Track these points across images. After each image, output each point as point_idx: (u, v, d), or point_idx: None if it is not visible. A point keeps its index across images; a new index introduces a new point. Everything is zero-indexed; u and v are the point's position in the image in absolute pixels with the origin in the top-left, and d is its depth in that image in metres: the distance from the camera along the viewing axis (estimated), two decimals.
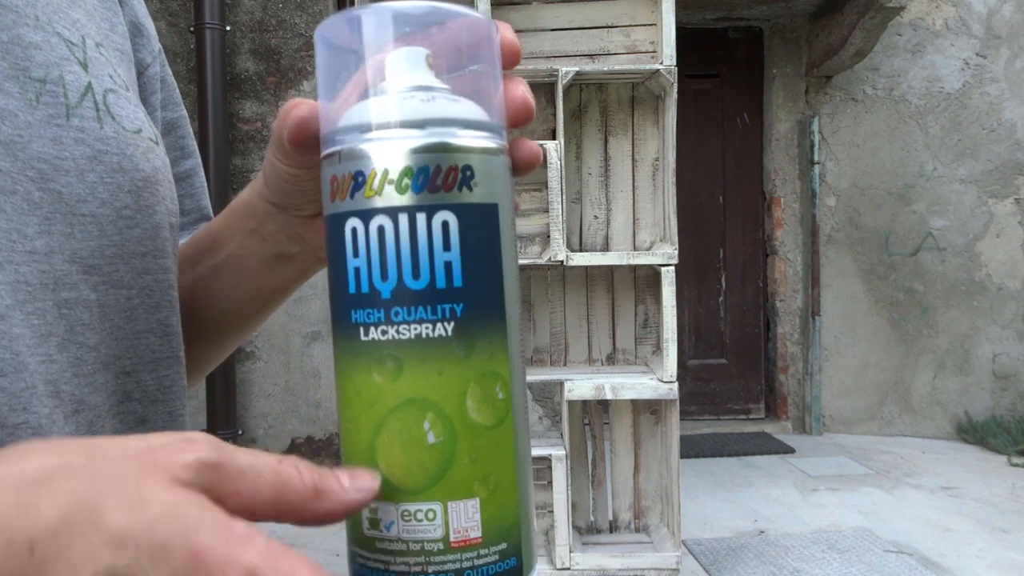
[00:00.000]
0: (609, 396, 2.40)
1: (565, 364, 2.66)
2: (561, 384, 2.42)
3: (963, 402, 4.59)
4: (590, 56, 2.48)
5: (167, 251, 0.47)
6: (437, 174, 0.30)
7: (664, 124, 2.46)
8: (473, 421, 0.30)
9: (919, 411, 4.62)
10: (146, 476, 0.24)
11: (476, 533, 0.30)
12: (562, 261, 2.37)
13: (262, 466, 0.27)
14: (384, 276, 0.30)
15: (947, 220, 4.56)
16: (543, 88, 2.52)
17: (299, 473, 0.27)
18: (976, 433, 4.44)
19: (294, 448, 3.66)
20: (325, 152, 0.32)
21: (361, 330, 0.31)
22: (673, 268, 2.38)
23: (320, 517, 0.28)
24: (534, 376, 2.55)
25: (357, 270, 0.31)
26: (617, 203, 2.61)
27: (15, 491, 0.23)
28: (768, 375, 4.82)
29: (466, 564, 0.30)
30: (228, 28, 3.48)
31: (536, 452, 2.46)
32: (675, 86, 2.35)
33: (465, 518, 0.30)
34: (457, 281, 0.30)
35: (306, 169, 0.40)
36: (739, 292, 4.80)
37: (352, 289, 0.31)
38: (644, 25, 2.47)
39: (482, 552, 0.30)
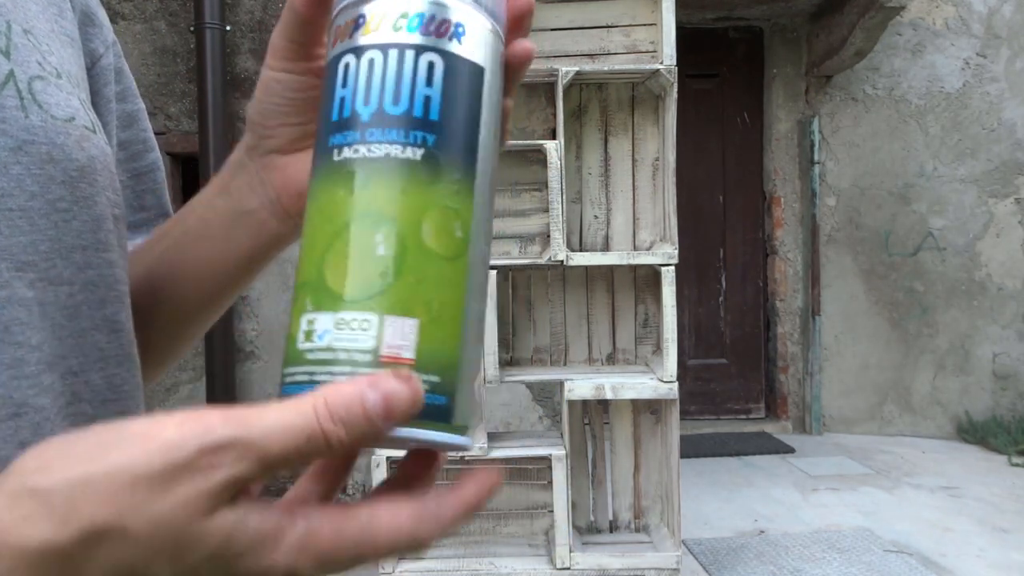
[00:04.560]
0: (609, 396, 2.40)
1: (565, 364, 2.66)
2: (561, 384, 2.42)
3: (963, 402, 4.59)
4: (590, 56, 2.48)
5: (111, 244, 0.44)
6: (431, 21, 0.33)
7: (664, 124, 2.46)
8: (426, 245, 0.31)
9: (919, 411, 4.62)
10: (183, 526, 0.25)
11: (408, 354, 0.30)
12: (562, 261, 2.37)
13: (291, 446, 0.26)
14: (366, 101, 0.32)
15: (947, 220, 4.56)
16: (543, 88, 2.53)
17: (324, 438, 0.26)
18: (976, 433, 4.44)
19: None
20: (336, 9, 0.35)
21: (335, 151, 0.32)
22: (673, 268, 2.38)
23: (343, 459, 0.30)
24: (534, 376, 2.55)
25: (343, 99, 0.33)
26: (617, 203, 2.61)
27: (58, 571, 0.24)
28: (768, 375, 4.81)
29: None
30: (228, 28, 3.48)
31: (536, 452, 2.46)
32: (675, 86, 2.35)
33: (400, 336, 0.30)
34: (433, 114, 0.32)
35: (294, 74, 0.41)
36: (739, 292, 4.80)
37: (335, 116, 0.33)
38: (644, 25, 2.47)
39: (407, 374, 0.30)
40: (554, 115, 2.43)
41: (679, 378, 2.40)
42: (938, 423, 4.60)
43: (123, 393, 0.45)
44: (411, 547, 0.29)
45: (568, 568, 2.40)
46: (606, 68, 2.40)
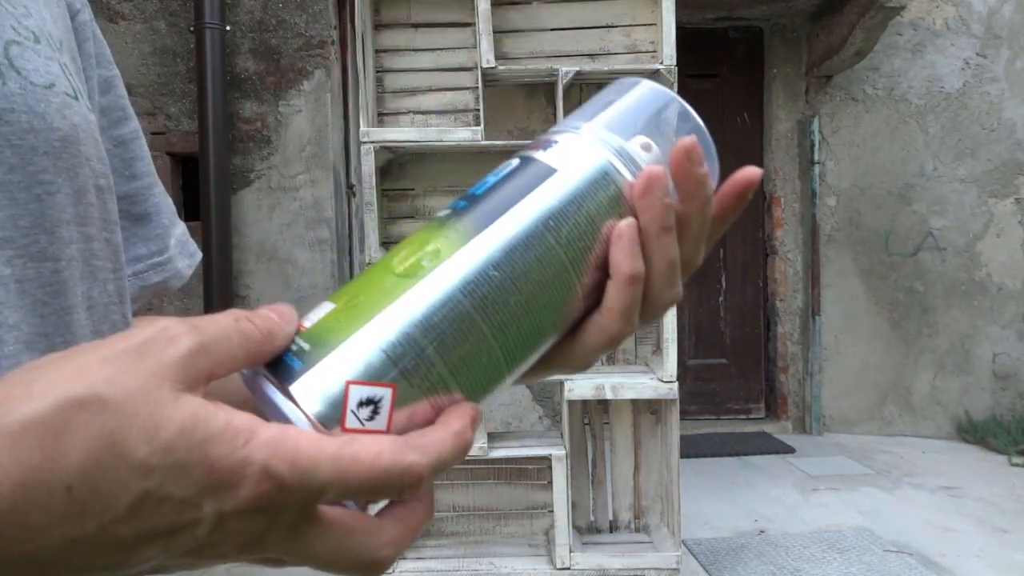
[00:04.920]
0: (609, 396, 2.40)
1: None
2: (561, 384, 2.42)
3: (963, 402, 4.59)
4: (590, 56, 2.48)
5: (91, 217, 0.42)
6: (539, 141, 0.38)
7: None
8: (389, 260, 0.34)
9: (919, 411, 4.62)
10: (153, 394, 0.27)
11: (308, 324, 0.33)
12: None
13: (228, 331, 0.30)
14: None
15: (947, 220, 4.56)
16: (543, 88, 2.53)
17: (253, 324, 0.31)
18: (976, 433, 4.44)
19: None
20: None
21: None
22: None
23: (274, 354, 0.32)
24: None
25: None
26: None
27: (39, 443, 0.25)
28: (768, 375, 4.81)
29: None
30: (228, 28, 3.48)
31: (536, 452, 2.46)
32: (675, 86, 2.35)
33: (316, 313, 0.34)
34: (479, 191, 0.36)
35: None
36: (739, 292, 4.80)
37: None
38: (644, 25, 2.47)
39: (294, 337, 0.33)
40: (554, 115, 2.42)
41: (679, 378, 2.40)
42: (938, 423, 4.60)
43: None
44: (398, 475, 0.28)
45: (568, 568, 2.40)
46: (606, 68, 2.40)
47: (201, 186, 3.40)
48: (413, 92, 2.52)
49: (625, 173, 0.36)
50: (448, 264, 0.33)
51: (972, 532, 3.14)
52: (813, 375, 4.57)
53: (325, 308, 0.34)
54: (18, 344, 0.37)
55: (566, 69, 2.33)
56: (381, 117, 2.51)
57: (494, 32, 2.36)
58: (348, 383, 0.31)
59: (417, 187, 2.54)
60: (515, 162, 0.37)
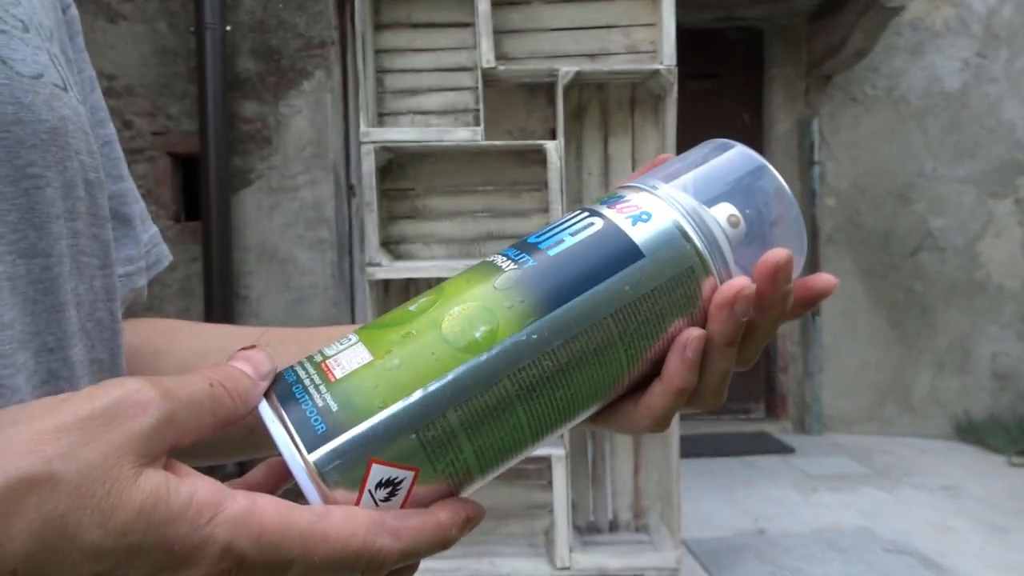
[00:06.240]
0: None
1: None
2: None
3: (963, 402, 4.59)
4: (590, 56, 2.48)
5: (79, 212, 0.41)
6: (621, 200, 0.35)
7: (664, 124, 2.47)
8: (440, 321, 0.31)
9: (919, 411, 4.62)
10: (112, 472, 0.25)
11: (338, 374, 0.30)
12: None
13: (200, 397, 0.29)
14: (533, 236, 0.36)
15: (947, 220, 4.56)
16: (543, 88, 2.53)
17: (226, 390, 0.30)
18: (976, 433, 4.44)
19: None
20: None
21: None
22: None
23: (244, 417, 0.31)
24: None
25: None
26: None
27: None
28: (768, 375, 4.82)
29: (307, 382, 0.31)
30: (228, 28, 3.48)
31: (536, 452, 2.45)
32: (675, 86, 2.35)
33: (348, 359, 0.31)
34: (552, 251, 0.33)
35: None
36: None
37: None
38: (644, 25, 2.47)
39: (321, 386, 0.30)
40: (554, 115, 2.43)
41: None
42: (937, 423, 4.60)
43: (102, 366, 0.42)
44: (366, 559, 0.28)
45: (568, 568, 2.40)
46: (606, 68, 2.40)
47: (201, 186, 3.40)
48: (413, 92, 2.52)
49: (710, 265, 0.34)
50: (503, 346, 0.30)
51: (971, 532, 3.14)
52: (813, 375, 4.57)
53: (357, 353, 0.31)
54: (13, 343, 0.36)
55: (566, 69, 2.33)
56: (381, 117, 2.51)
57: (494, 32, 2.37)
58: (372, 461, 0.29)
59: (417, 187, 2.55)
60: (596, 224, 0.34)
